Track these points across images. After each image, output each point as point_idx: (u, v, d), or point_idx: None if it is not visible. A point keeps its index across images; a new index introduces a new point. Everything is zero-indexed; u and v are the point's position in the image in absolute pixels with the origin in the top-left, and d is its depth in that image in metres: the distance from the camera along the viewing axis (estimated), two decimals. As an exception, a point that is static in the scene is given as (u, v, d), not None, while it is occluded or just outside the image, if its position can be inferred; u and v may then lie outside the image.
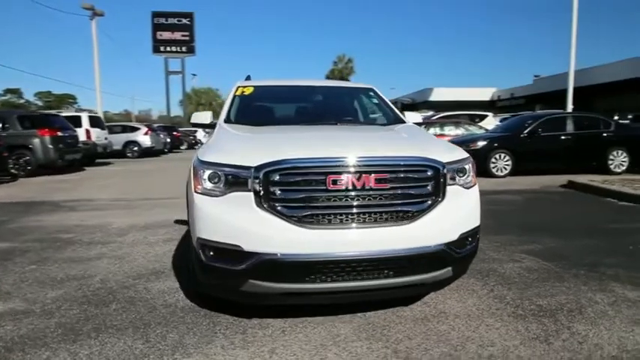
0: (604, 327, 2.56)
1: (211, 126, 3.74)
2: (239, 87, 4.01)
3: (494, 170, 9.97)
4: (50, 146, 11.47)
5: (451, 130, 13.63)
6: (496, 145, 10.13)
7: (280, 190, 2.31)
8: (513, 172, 10.01)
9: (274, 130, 3.16)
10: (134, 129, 21.15)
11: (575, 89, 19.58)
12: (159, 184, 9.97)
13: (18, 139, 11.19)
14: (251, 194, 2.32)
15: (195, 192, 2.49)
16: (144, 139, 20.55)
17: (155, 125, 25.31)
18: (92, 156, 14.97)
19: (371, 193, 2.34)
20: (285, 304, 2.68)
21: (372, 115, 3.98)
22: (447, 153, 2.63)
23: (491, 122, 16.14)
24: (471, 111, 18.82)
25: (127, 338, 2.46)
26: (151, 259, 3.94)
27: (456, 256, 2.51)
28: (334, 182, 2.29)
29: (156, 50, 42.25)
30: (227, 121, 3.53)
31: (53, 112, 16.38)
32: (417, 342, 2.40)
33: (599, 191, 7.39)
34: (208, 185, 2.45)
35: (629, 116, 16.94)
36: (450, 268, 2.53)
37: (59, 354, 2.29)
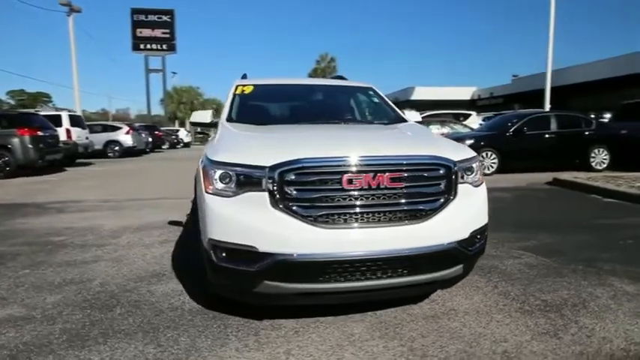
0: (609, 320, 2.63)
1: (212, 125, 3.68)
2: (238, 86, 3.96)
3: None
4: (30, 146, 11.12)
5: (437, 129, 13.79)
6: (482, 143, 10.30)
7: (296, 189, 2.29)
8: (499, 170, 10.21)
9: (281, 129, 3.14)
10: (115, 128, 20.69)
11: (552, 89, 20.11)
12: (146, 185, 9.79)
13: (-4, 138, 10.82)
14: (265, 194, 2.30)
15: (207, 192, 2.44)
16: (125, 138, 20.13)
17: (137, 124, 24.80)
18: (73, 156, 14.60)
19: (385, 192, 2.34)
20: (295, 305, 2.66)
21: (373, 114, 3.98)
22: (457, 151, 2.66)
23: (475, 121, 16.43)
24: (455, 110, 19.11)
25: (137, 343, 2.40)
26: (149, 262, 3.86)
27: (467, 254, 2.54)
28: (350, 181, 2.29)
29: (135, 48, 41.42)
30: (229, 120, 3.48)
31: (32, 110, 15.87)
32: (432, 339, 2.42)
33: (584, 188, 7.59)
34: (220, 185, 2.41)
35: (605, 115, 17.43)
36: (461, 266, 2.56)
37: (68, 361, 2.23)
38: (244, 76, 4.49)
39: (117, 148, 19.86)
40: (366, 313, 2.74)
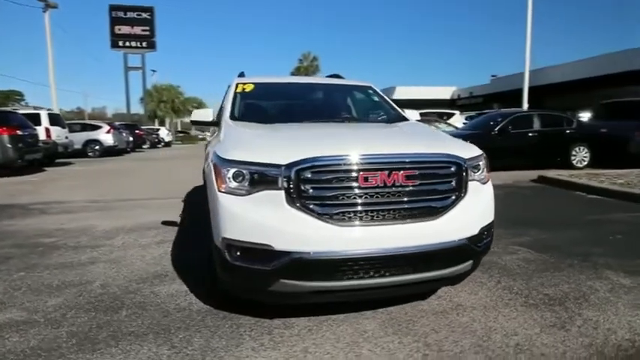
0: (611, 312, 2.72)
1: (213, 123, 3.64)
2: (238, 84, 3.93)
3: (467, 167, 10.30)
4: (9, 145, 10.74)
5: (422, 128, 13.92)
6: (468, 142, 10.43)
7: (312, 187, 2.28)
8: (485, 168, 10.38)
9: (288, 127, 3.12)
10: (95, 127, 20.20)
11: (530, 88, 20.64)
12: (132, 185, 9.60)
13: (-28, 138, 10.44)
14: (281, 192, 2.29)
15: (219, 191, 2.41)
16: (106, 137, 19.68)
17: (117, 123, 24.26)
18: (52, 156, 14.17)
19: (400, 189, 2.36)
20: (306, 303, 2.65)
21: (375, 112, 4.01)
22: (466, 149, 2.71)
23: (458, 120, 16.70)
24: (438, 109, 19.36)
25: (149, 344, 2.36)
26: (149, 262, 3.79)
27: (476, 250, 2.59)
28: (366, 179, 2.30)
29: (114, 45, 40.48)
30: (233, 118, 3.44)
31: (10, 109, 15.34)
32: (444, 334, 2.45)
33: (568, 185, 7.81)
34: (233, 184, 2.39)
35: (580, 114, 17.94)
36: (471, 262, 2.61)
37: (81, 364, 2.17)
38: (242, 74, 4.45)
39: (97, 147, 19.39)
40: (377, 310, 2.76)
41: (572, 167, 10.62)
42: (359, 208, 2.31)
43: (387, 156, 2.37)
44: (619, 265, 3.60)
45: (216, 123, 3.56)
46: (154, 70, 52.82)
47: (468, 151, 2.70)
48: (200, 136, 54.85)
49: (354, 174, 2.29)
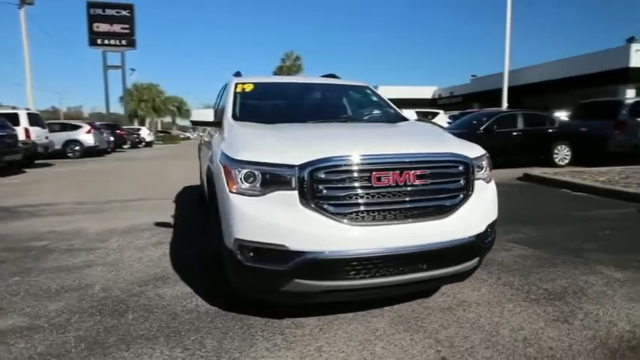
0: (610, 306, 2.82)
1: (215, 124, 3.61)
2: (237, 84, 3.91)
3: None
4: (-13, 147, 10.43)
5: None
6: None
7: (326, 188, 2.30)
8: (471, 167, 10.56)
9: (294, 127, 3.12)
10: (75, 127, 19.71)
11: (509, 88, 21.08)
12: (120, 186, 9.42)
13: (-52, 139, 10.07)
14: (295, 193, 2.29)
15: (231, 192, 2.41)
16: (86, 137, 19.22)
17: (97, 123, 23.73)
18: (32, 157, 13.80)
19: (412, 188, 2.39)
20: (316, 302, 2.66)
21: (375, 112, 4.04)
22: (470, 149, 2.76)
23: (442, 119, 16.90)
24: (418, 108, 19.56)
25: (162, 347, 2.34)
26: (148, 265, 3.74)
27: (483, 247, 2.65)
28: (378, 179, 2.33)
29: (92, 43, 39.48)
30: (234, 118, 3.43)
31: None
32: (454, 330, 2.51)
33: (553, 183, 8.03)
34: (245, 184, 2.38)
35: (556, 113, 18.40)
36: (477, 259, 2.67)
37: (94, 369, 2.14)
38: (238, 74, 4.43)
39: (77, 148, 18.93)
40: (384, 308, 2.80)
41: (554, 165, 10.91)
42: (372, 207, 2.33)
43: (398, 156, 2.41)
44: (610, 259, 3.73)
45: (218, 123, 3.53)
46: (133, 69, 51.93)
47: (474, 150, 2.76)
48: (182, 136, 54.19)
49: (367, 174, 2.32)
